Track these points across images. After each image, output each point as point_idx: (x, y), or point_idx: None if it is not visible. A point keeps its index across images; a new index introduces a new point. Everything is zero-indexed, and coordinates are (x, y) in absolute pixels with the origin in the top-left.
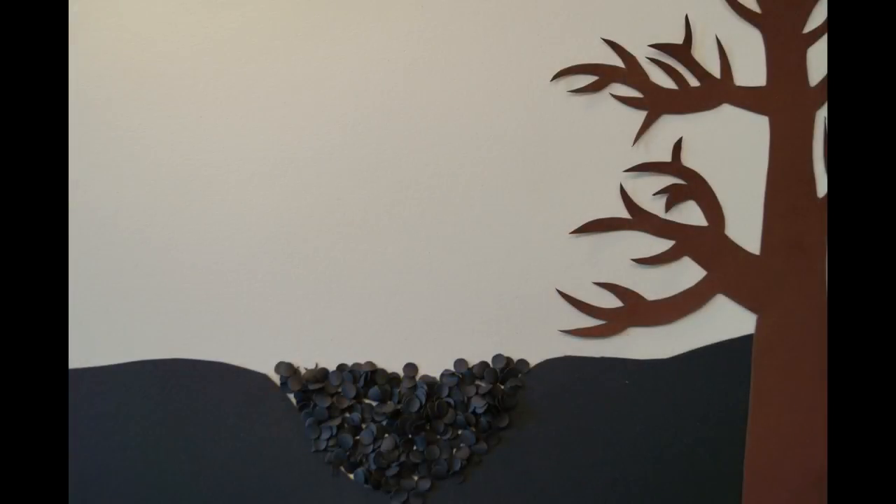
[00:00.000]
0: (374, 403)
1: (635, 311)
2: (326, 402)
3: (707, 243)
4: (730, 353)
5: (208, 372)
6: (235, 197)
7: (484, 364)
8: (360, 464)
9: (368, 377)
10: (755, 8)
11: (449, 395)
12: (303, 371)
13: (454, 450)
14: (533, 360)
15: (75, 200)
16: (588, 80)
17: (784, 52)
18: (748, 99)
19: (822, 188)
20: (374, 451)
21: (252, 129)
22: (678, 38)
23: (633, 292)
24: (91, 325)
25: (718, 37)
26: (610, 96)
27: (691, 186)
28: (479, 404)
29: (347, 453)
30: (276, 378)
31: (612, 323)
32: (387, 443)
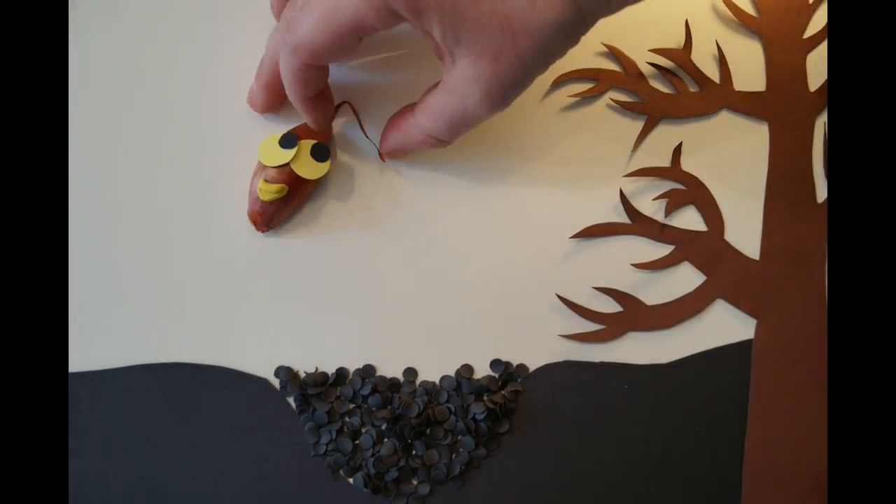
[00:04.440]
0: (373, 408)
1: (635, 315)
2: (326, 407)
3: (706, 248)
4: (729, 357)
5: (208, 376)
6: (236, 200)
7: (483, 369)
8: (359, 468)
9: (369, 382)
10: (754, 13)
11: (448, 401)
12: (302, 375)
13: (453, 454)
14: (532, 365)
15: (75, 202)
16: (588, 84)
17: (784, 58)
18: (748, 104)
19: (821, 193)
20: (373, 455)
21: (252, 130)
22: (678, 44)
23: (632, 297)
24: (91, 328)
25: (718, 42)
26: (610, 101)
27: (691, 191)
28: (478, 409)
29: (347, 458)
30: (275, 382)
31: (611, 327)
32: (386, 447)
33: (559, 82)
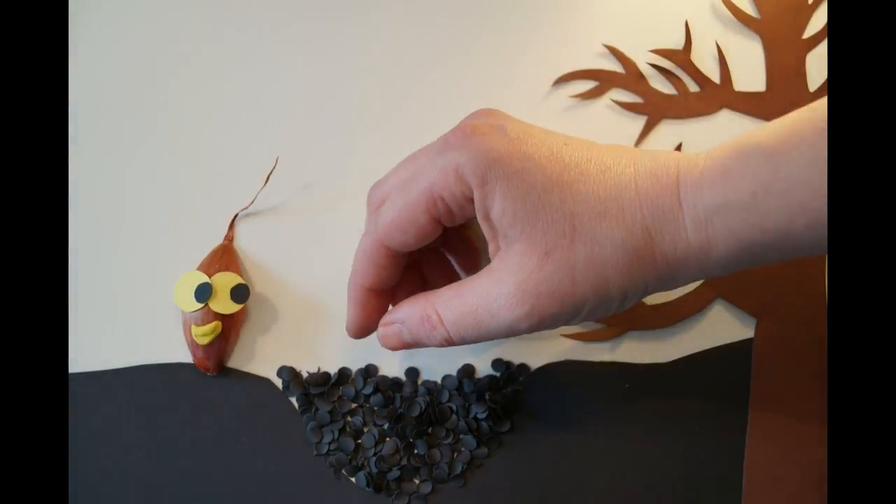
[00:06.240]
0: (375, 408)
1: (635, 315)
2: (328, 406)
3: None
4: (730, 357)
5: (209, 376)
6: (237, 201)
7: (485, 368)
8: (361, 467)
9: (371, 382)
10: (754, 13)
11: (450, 400)
12: (305, 375)
13: (455, 454)
14: (533, 365)
15: (75, 201)
16: (589, 85)
17: (783, 57)
18: (748, 104)
19: None
20: (375, 454)
21: (252, 132)
22: (678, 44)
23: None
24: (92, 328)
25: (718, 42)
26: (610, 101)
27: None
28: (479, 409)
29: (349, 457)
30: (278, 382)
31: (612, 327)
32: (388, 446)
33: (560, 83)
